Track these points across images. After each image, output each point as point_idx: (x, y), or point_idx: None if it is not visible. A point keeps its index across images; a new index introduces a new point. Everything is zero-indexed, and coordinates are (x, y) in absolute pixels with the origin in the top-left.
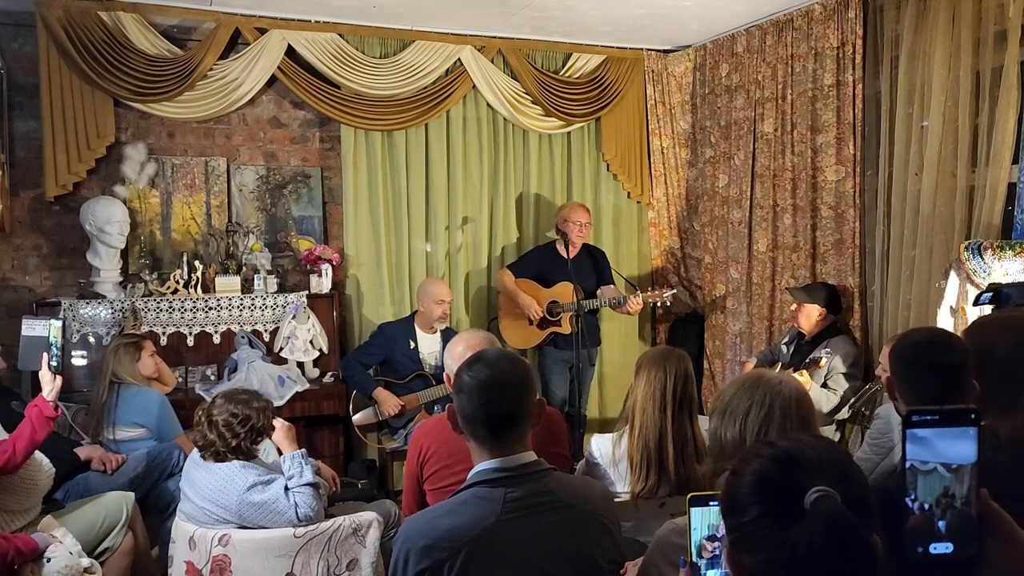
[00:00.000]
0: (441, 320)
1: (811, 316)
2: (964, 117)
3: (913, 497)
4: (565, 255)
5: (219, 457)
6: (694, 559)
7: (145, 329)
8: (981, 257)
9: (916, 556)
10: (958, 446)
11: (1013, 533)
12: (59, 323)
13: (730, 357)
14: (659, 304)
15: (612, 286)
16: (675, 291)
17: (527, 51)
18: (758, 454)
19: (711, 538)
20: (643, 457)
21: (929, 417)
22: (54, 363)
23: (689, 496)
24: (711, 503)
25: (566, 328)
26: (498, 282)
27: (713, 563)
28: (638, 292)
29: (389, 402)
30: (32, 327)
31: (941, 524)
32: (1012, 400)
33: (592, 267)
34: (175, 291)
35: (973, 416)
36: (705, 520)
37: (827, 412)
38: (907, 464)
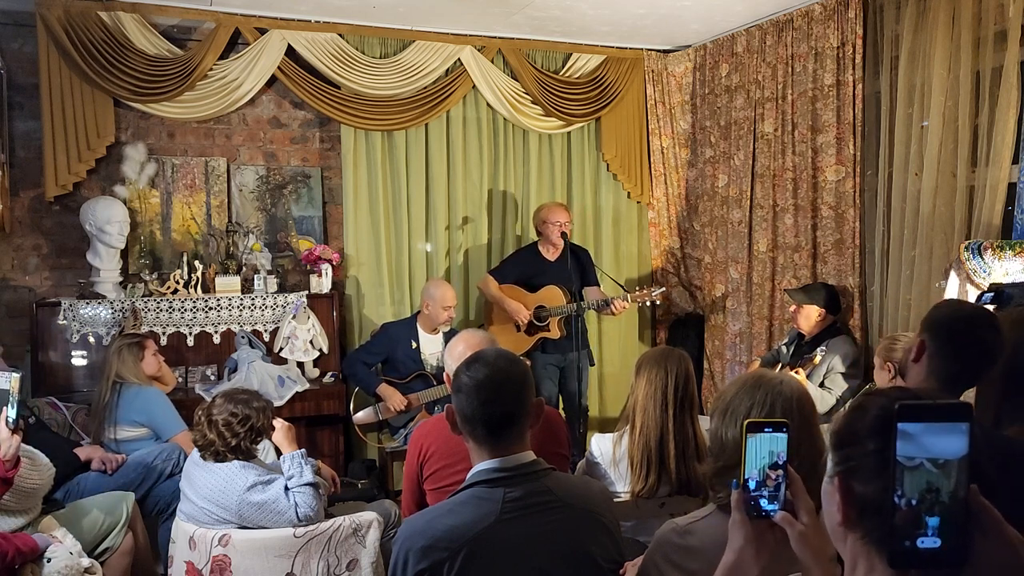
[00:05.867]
0: (446, 324)
1: (810, 317)
2: (964, 117)
3: (900, 493)
4: (549, 257)
5: (219, 457)
6: (752, 491)
7: (145, 329)
8: (981, 257)
9: (904, 550)
10: (946, 441)
11: (1001, 530)
12: (19, 375)
13: (730, 357)
14: (648, 304)
15: (596, 287)
16: (663, 289)
17: (527, 51)
18: (885, 394)
19: (774, 466)
20: (644, 456)
21: (922, 412)
22: (11, 419)
23: (746, 422)
24: (766, 429)
25: (555, 332)
26: (482, 289)
27: (776, 494)
28: (626, 294)
29: (394, 397)
30: None
31: (929, 520)
32: None
33: (576, 268)
34: (175, 291)
35: (966, 412)
36: (764, 447)
37: (823, 412)
38: (896, 459)
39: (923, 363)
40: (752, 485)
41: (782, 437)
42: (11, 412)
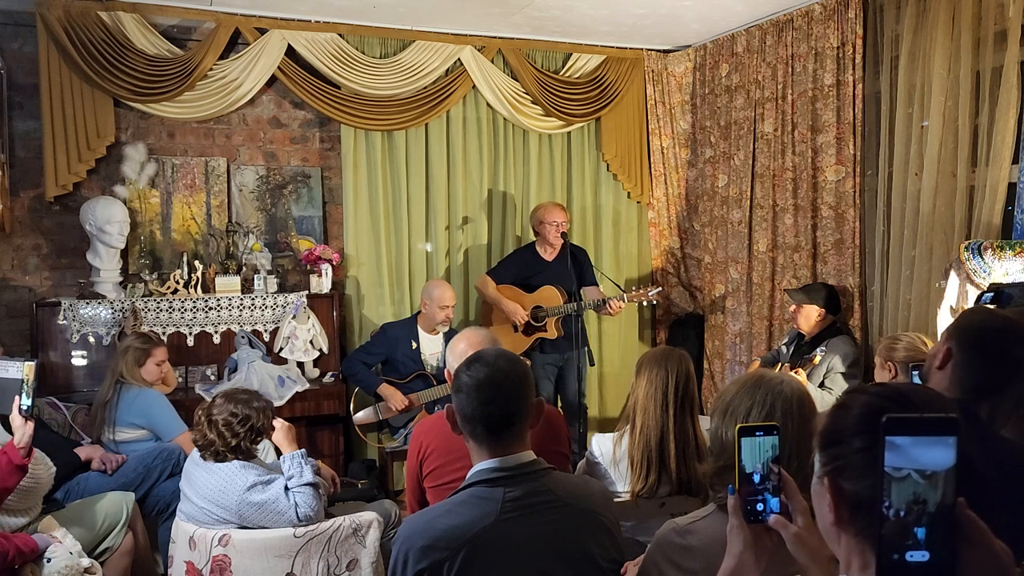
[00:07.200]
0: (444, 324)
1: (810, 317)
2: (964, 117)
3: (887, 504)
4: (546, 257)
5: (219, 457)
6: (756, 483)
7: (145, 329)
8: (981, 257)
9: (892, 563)
10: (933, 453)
11: (988, 541)
12: (33, 363)
13: (730, 357)
14: (645, 304)
15: (595, 287)
16: (660, 289)
17: (527, 51)
18: (866, 391)
19: (777, 459)
20: (644, 456)
21: (909, 425)
22: (26, 406)
23: (738, 427)
24: (757, 434)
25: (552, 333)
26: (480, 290)
27: (779, 487)
28: (623, 294)
29: (395, 397)
30: (5, 368)
31: (917, 531)
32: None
33: (574, 268)
34: (175, 291)
35: (954, 425)
36: (767, 443)
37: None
38: (883, 470)
39: (947, 371)
40: (756, 479)
41: (774, 440)
42: (25, 400)
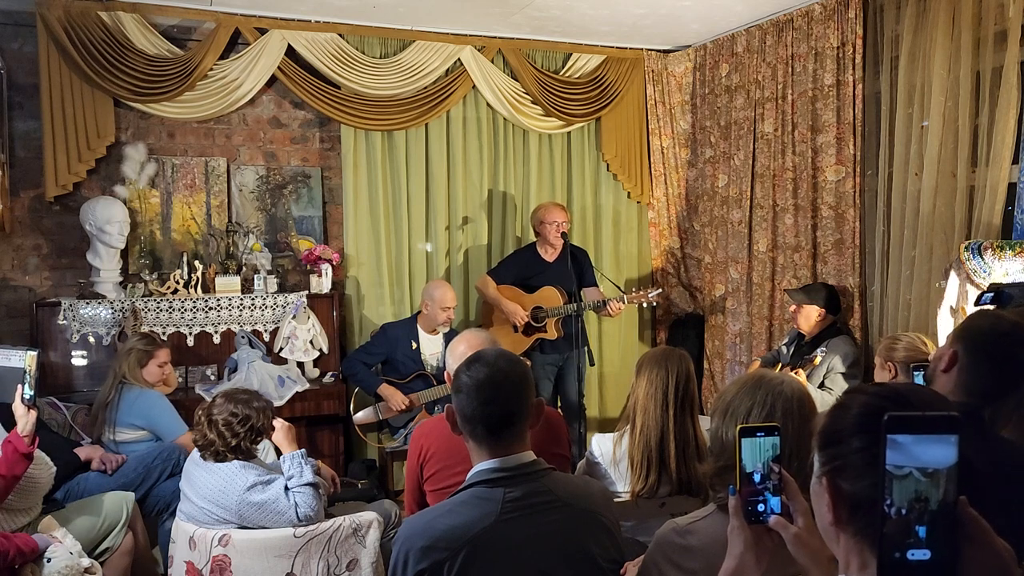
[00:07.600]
0: (445, 325)
1: (810, 317)
2: (964, 117)
3: (889, 503)
4: (547, 258)
5: (219, 457)
6: (757, 484)
7: (145, 329)
8: (981, 257)
9: (893, 561)
10: (935, 451)
11: (990, 540)
12: (34, 353)
13: (730, 357)
14: (645, 305)
15: (595, 288)
16: (660, 291)
17: (527, 51)
18: (864, 391)
19: (777, 459)
20: (644, 456)
21: (911, 423)
22: (28, 395)
23: (739, 428)
24: (758, 434)
25: (552, 333)
26: (480, 290)
27: (780, 487)
28: (623, 295)
29: (396, 397)
30: (7, 358)
31: (919, 529)
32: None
33: (574, 269)
34: (175, 291)
35: (955, 424)
36: (763, 447)
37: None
38: (885, 468)
39: (953, 375)
40: (757, 479)
41: (775, 440)
42: (28, 390)
